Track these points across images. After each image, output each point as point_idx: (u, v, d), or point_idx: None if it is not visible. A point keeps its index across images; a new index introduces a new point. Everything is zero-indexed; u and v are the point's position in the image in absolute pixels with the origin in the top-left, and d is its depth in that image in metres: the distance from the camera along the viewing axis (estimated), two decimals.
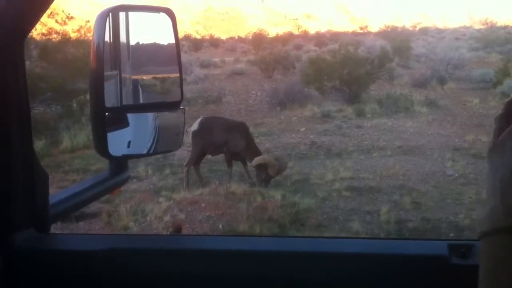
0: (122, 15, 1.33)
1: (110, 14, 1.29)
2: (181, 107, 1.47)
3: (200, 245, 1.38)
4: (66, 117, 13.63)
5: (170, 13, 1.37)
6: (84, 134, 12.65)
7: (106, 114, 1.30)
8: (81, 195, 1.46)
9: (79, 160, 11.56)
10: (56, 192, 1.46)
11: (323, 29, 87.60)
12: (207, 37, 62.96)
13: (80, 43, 15.68)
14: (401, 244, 1.35)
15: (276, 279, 1.28)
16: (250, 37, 52.45)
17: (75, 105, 14.26)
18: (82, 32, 16.36)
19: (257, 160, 9.28)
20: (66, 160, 11.57)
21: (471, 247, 1.25)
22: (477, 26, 79.80)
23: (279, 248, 1.33)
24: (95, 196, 1.51)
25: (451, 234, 6.90)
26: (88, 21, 16.90)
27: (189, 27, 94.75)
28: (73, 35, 16.11)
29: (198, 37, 62.53)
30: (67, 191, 1.47)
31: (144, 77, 1.46)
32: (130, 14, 1.36)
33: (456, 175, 9.49)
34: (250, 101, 19.14)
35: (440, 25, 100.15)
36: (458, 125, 14.28)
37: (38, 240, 1.33)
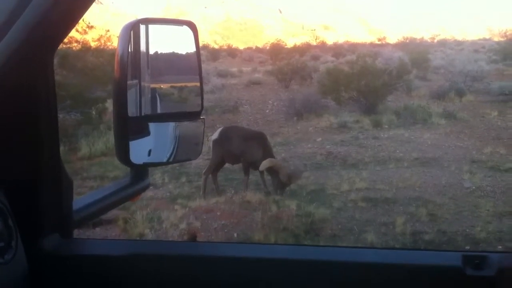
0: (145, 27, 1.37)
1: (135, 26, 1.33)
2: (201, 117, 1.50)
3: (219, 252, 1.40)
4: (84, 124, 13.75)
5: (192, 26, 1.41)
6: (102, 142, 12.76)
7: (129, 122, 1.34)
8: (103, 201, 1.49)
9: (96, 167, 11.66)
10: (77, 198, 1.49)
11: (340, 40, 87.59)
12: (225, 47, 63.26)
13: (99, 52, 15.85)
14: (415, 255, 1.35)
15: (290, 286, 1.31)
16: (267, 48, 52.57)
17: (93, 112, 14.40)
18: (102, 41, 16.53)
19: (264, 164, 9.10)
20: (84, 167, 11.66)
21: (485, 259, 1.25)
22: (496, 39, 78.93)
23: (295, 256, 1.34)
24: (116, 203, 1.54)
25: (467, 247, 6.82)
26: (108, 31, 17.10)
27: (207, 37, 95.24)
28: (93, 44, 16.29)
29: (216, 47, 62.87)
30: (89, 197, 1.50)
31: (162, 86, 1.49)
32: (154, 26, 1.40)
33: (474, 187, 9.38)
34: (267, 111, 19.17)
35: (459, 37, 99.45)
36: (476, 137, 14.12)
37: (62, 245, 1.35)
